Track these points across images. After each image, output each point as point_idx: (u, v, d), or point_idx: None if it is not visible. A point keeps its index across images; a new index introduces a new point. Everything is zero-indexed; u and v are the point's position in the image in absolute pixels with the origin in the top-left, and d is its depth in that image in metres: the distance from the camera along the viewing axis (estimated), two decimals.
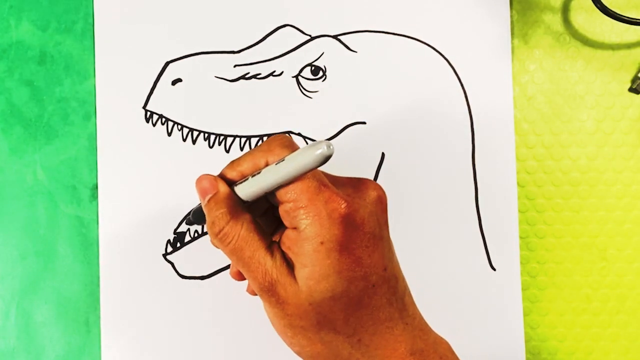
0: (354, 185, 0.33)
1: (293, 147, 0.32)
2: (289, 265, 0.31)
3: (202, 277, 0.44)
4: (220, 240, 0.32)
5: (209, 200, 0.33)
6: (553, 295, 0.43)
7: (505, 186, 0.44)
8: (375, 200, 0.32)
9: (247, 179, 0.32)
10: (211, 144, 0.44)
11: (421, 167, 0.44)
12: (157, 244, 0.44)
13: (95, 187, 0.44)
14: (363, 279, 0.30)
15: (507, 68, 0.44)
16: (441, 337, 0.34)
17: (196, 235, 0.44)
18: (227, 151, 0.44)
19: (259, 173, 0.31)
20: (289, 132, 0.44)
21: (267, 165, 0.32)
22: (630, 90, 0.44)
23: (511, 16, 0.44)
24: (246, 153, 0.33)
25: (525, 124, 0.44)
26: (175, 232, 0.44)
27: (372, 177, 0.44)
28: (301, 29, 0.44)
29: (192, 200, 0.44)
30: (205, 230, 0.43)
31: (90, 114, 0.44)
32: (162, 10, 0.44)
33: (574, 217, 0.44)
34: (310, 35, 0.44)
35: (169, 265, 0.44)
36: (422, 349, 0.32)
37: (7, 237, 0.44)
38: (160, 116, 0.44)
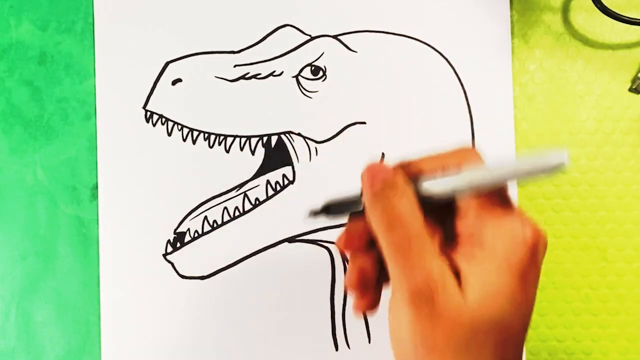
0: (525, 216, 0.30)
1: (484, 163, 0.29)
2: (456, 274, 0.28)
3: (202, 277, 0.44)
4: (391, 224, 0.28)
5: (383, 181, 0.29)
6: (553, 295, 0.43)
7: None
8: (545, 240, 0.29)
9: (438, 177, 0.29)
10: (211, 144, 0.44)
11: None
12: (157, 244, 0.44)
13: (95, 187, 0.44)
14: (523, 315, 0.28)
15: (507, 68, 0.44)
16: None
17: (196, 235, 0.44)
18: (227, 151, 0.44)
19: (458, 173, 0.28)
20: (289, 132, 0.44)
21: (459, 168, 0.29)
22: (630, 90, 0.44)
23: (511, 16, 0.44)
24: (431, 155, 0.30)
25: (525, 124, 0.44)
26: (175, 232, 0.44)
27: None
28: (301, 29, 0.44)
29: (192, 201, 0.44)
30: (205, 230, 0.43)
31: (90, 114, 0.44)
32: (162, 10, 0.44)
33: (574, 217, 0.44)
34: (310, 35, 0.44)
35: (169, 265, 0.44)
36: None
37: (7, 237, 0.44)
38: (160, 116, 0.44)
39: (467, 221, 0.29)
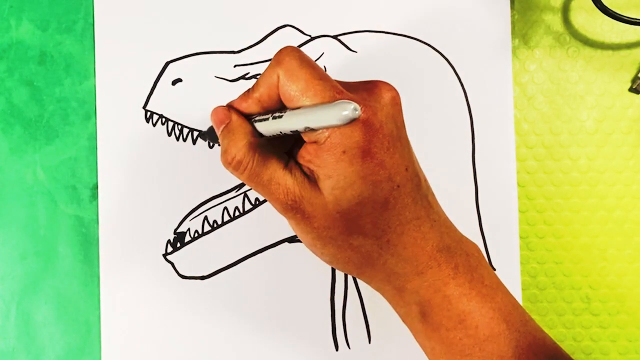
0: (366, 89, 0.32)
1: (302, 58, 0.31)
2: (311, 179, 0.31)
3: (202, 277, 0.44)
4: (235, 168, 0.32)
5: (222, 130, 0.33)
6: (553, 295, 0.43)
7: (505, 186, 0.44)
8: (390, 102, 0.32)
9: (267, 118, 0.32)
10: (211, 144, 0.44)
11: (421, 167, 0.44)
12: (157, 244, 0.44)
13: (95, 187, 0.44)
14: (387, 181, 0.30)
15: (507, 68, 0.44)
16: (467, 238, 0.34)
17: (196, 235, 0.44)
18: None
19: (279, 116, 0.31)
20: None
21: (277, 79, 0.31)
22: (630, 90, 0.44)
23: (511, 16, 0.44)
24: (258, 78, 0.33)
25: (525, 124, 0.44)
26: (175, 232, 0.44)
27: None
28: (301, 29, 0.44)
29: (192, 201, 0.44)
30: (205, 230, 0.44)
31: (90, 114, 0.44)
32: (162, 10, 0.44)
33: (574, 217, 0.44)
34: (310, 35, 0.44)
35: (169, 265, 0.44)
36: (449, 246, 0.32)
37: (7, 237, 0.44)
38: (160, 116, 0.44)
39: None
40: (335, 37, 0.44)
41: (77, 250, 0.44)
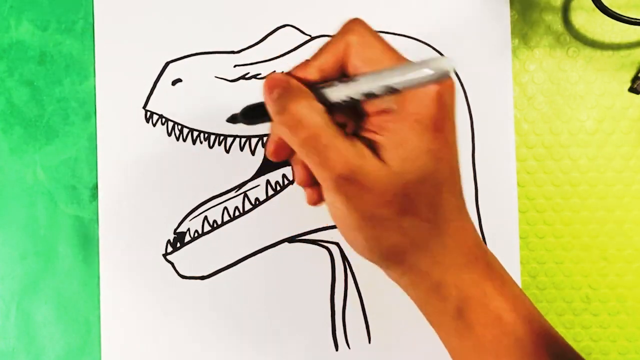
0: None
1: (372, 29, 0.31)
2: (374, 150, 0.29)
3: (202, 277, 0.44)
4: (292, 127, 0.29)
5: (279, 92, 0.30)
6: (553, 295, 0.43)
7: (505, 186, 0.44)
8: (452, 83, 0.30)
9: (334, 84, 0.30)
10: (211, 144, 0.44)
11: None
12: (157, 244, 0.44)
13: (95, 187, 0.44)
14: (448, 162, 0.30)
15: (507, 68, 0.44)
16: None
17: (196, 235, 0.44)
18: (227, 151, 0.44)
19: (352, 80, 0.30)
20: None
21: (347, 47, 0.30)
22: (630, 90, 0.44)
23: (511, 16, 0.44)
24: (321, 47, 0.31)
25: (525, 124, 0.44)
26: (175, 232, 0.44)
27: None
28: (301, 29, 0.44)
29: (192, 201, 0.44)
30: (205, 230, 0.43)
31: (90, 114, 0.44)
32: (162, 10, 0.44)
33: (574, 217, 0.44)
34: (310, 35, 0.44)
35: (169, 265, 0.44)
36: (481, 244, 0.32)
37: (7, 237, 0.44)
38: (160, 116, 0.44)
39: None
40: None
41: (77, 250, 0.44)
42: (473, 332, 0.31)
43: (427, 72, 0.28)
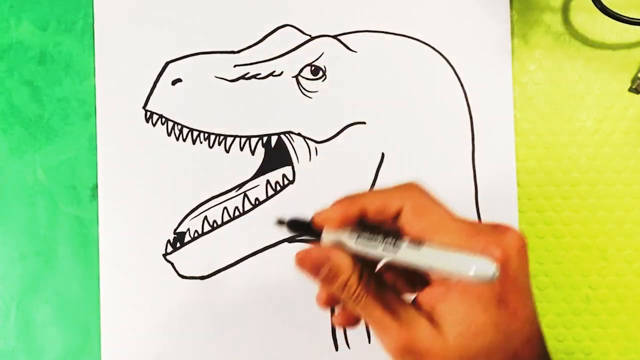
0: (497, 232, 0.30)
1: (431, 196, 0.30)
2: (431, 320, 0.29)
3: (202, 277, 0.44)
4: (354, 300, 0.29)
5: (325, 274, 0.29)
6: (553, 295, 0.43)
7: (505, 186, 0.44)
8: (520, 250, 0.29)
9: (377, 245, 0.29)
10: (211, 144, 0.44)
11: (421, 167, 0.44)
12: (157, 244, 0.44)
13: (95, 187, 0.44)
14: (519, 333, 0.28)
15: (507, 68, 0.44)
16: None
17: (196, 235, 0.44)
18: (227, 151, 0.44)
19: (397, 249, 0.28)
20: (289, 132, 0.44)
21: (399, 212, 0.29)
22: (630, 90, 0.44)
23: (511, 16, 0.44)
24: (375, 190, 0.31)
25: (525, 124, 0.44)
26: (175, 232, 0.44)
27: (372, 177, 0.44)
28: (301, 29, 0.44)
29: (192, 201, 0.44)
30: (205, 230, 0.43)
31: (90, 114, 0.44)
32: (162, 10, 0.44)
33: (574, 217, 0.44)
34: (310, 35, 0.44)
35: (169, 265, 0.44)
36: None
37: (7, 237, 0.44)
38: (160, 116, 0.44)
39: None
40: (335, 37, 0.44)
41: (77, 250, 0.44)
42: None
43: (467, 273, 0.26)
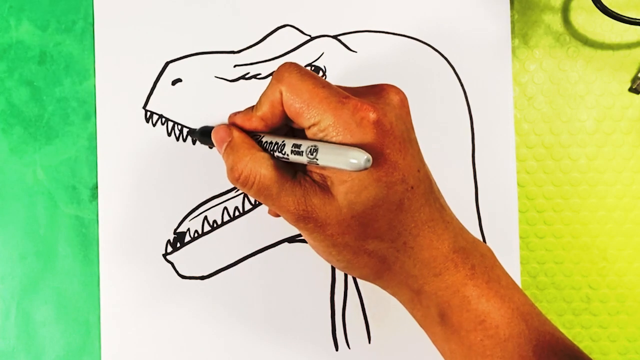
0: (374, 92, 0.32)
1: (302, 71, 0.32)
2: (322, 186, 0.31)
3: (202, 277, 0.44)
4: (243, 184, 0.32)
5: (225, 148, 0.34)
6: (553, 295, 0.43)
7: (505, 186, 0.44)
8: (399, 104, 0.32)
9: (273, 152, 0.33)
10: (211, 144, 0.44)
11: None
12: (157, 244, 0.44)
13: (95, 187, 0.44)
14: (401, 183, 0.30)
15: (507, 68, 0.44)
16: (480, 240, 0.35)
17: (196, 235, 0.44)
18: None
19: (285, 156, 0.32)
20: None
21: (281, 95, 0.32)
22: (630, 90, 0.44)
23: (511, 16, 0.44)
24: (260, 97, 0.33)
25: (525, 124, 0.44)
26: (175, 232, 0.44)
27: None
28: (301, 29, 0.44)
29: (192, 201, 0.44)
30: (205, 230, 0.44)
31: (90, 114, 0.44)
32: (162, 10, 0.44)
33: (574, 217, 0.44)
34: (310, 35, 0.44)
35: (169, 265, 0.44)
36: (464, 247, 0.32)
37: (7, 237, 0.44)
38: (160, 116, 0.44)
39: (313, 131, 0.31)
40: (335, 37, 0.44)
41: (77, 250, 0.44)
42: (458, 336, 0.32)
43: (344, 167, 0.28)
